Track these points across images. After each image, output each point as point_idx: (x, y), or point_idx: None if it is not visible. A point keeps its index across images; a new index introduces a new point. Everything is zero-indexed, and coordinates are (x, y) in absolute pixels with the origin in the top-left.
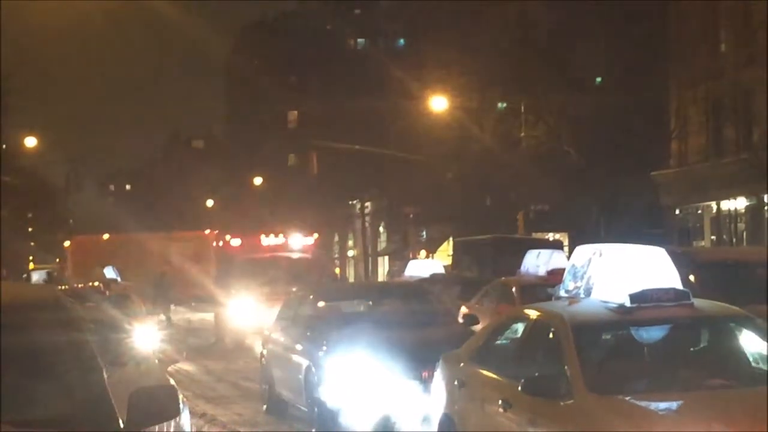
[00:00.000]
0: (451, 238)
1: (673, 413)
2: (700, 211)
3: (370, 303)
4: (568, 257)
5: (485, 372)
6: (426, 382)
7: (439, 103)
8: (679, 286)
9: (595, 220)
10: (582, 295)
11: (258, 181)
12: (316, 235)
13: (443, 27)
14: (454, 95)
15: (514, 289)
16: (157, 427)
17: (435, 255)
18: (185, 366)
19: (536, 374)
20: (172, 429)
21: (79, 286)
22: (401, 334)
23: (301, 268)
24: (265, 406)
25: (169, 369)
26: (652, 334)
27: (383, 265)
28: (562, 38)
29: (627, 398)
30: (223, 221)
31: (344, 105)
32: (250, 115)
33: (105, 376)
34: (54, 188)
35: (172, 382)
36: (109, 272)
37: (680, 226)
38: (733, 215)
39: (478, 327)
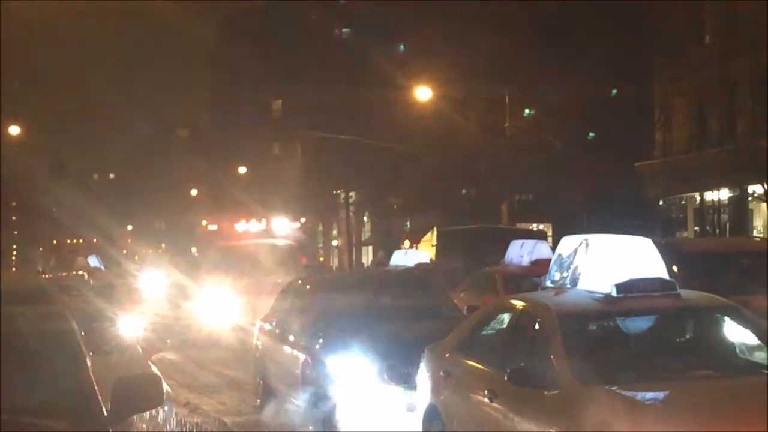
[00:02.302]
0: (435, 228)
1: (659, 403)
2: (683, 202)
3: (370, 293)
4: (552, 247)
5: (471, 362)
6: None
7: (423, 94)
8: (665, 276)
9: (579, 211)
10: (568, 286)
11: (242, 170)
12: (303, 220)
13: (427, 16)
14: (439, 85)
15: (498, 279)
16: (140, 416)
17: (419, 245)
18: (169, 355)
19: (522, 364)
20: (155, 417)
21: (63, 274)
22: (401, 327)
23: (284, 255)
24: (258, 401)
25: (153, 358)
26: (639, 324)
27: (367, 255)
28: (546, 29)
29: (613, 388)
30: (207, 209)
31: (329, 94)
32: (235, 104)
33: (89, 364)
34: (38, 177)
35: (155, 370)
36: (93, 261)
37: (664, 217)
38: (717, 206)
39: None
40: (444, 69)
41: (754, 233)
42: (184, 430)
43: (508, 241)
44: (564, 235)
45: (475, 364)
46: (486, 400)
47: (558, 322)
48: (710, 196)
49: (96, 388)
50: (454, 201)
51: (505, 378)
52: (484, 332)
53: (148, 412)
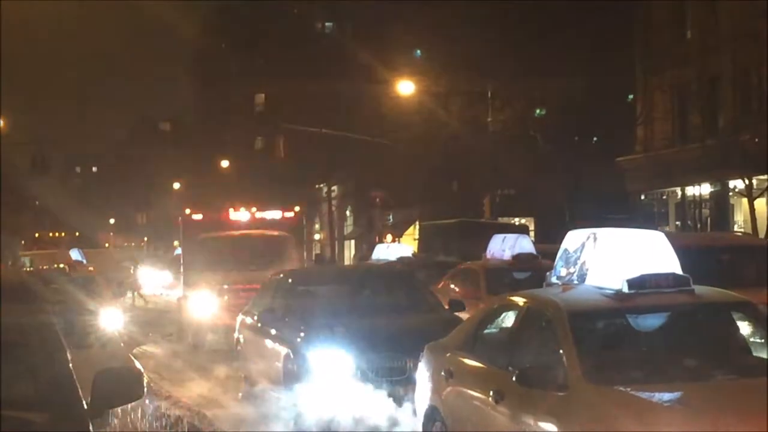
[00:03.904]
0: (417, 222)
1: (673, 405)
2: (665, 197)
3: (352, 287)
4: (535, 242)
5: (475, 362)
6: (410, 370)
7: (406, 87)
8: (678, 271)
9: (561, 206)
10: (576, 282)
11: (225, 163)
12: (297, 209)
13: (410, 10)
14: (421, 79)
15: (479, 274)
16: (121, 409)
17: (401, 239)
18: (150, 348)
19: (529, 365)
20: (136, 410)
21: (44, 267)
22: (383, 321)
23: (277, 247)
24: (240, 394)
25: (135, 351)
26: (651, 321)
27: (350, 249)
28: (529, 23)
29: (626, 389)
30: (189, 203)
31: (312, 88)
32: (218, 98)
33: (69, 357)
34: (19, 170)
35: (137, 363)
36: (75, 254)
37: (645, 212)
38: (698, 201)
39: (464, 314)
40: (427, 63)
41: (735, 228)
42: (164, 422)
43: (490, 235)
44: (545, 230)
45: (479, 365)
46: (491, 401)
47: (568, 319)
48: (691, 190)
49: (76, 381)
50: (437, 195)
51: (513, 379)
52: (487, 331)
53: (128, 405)
